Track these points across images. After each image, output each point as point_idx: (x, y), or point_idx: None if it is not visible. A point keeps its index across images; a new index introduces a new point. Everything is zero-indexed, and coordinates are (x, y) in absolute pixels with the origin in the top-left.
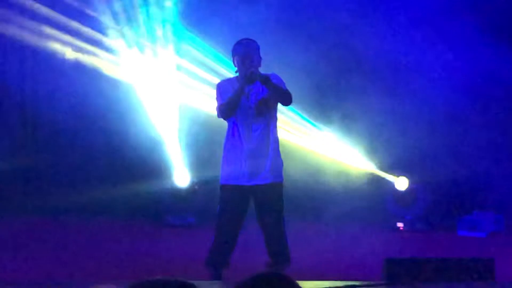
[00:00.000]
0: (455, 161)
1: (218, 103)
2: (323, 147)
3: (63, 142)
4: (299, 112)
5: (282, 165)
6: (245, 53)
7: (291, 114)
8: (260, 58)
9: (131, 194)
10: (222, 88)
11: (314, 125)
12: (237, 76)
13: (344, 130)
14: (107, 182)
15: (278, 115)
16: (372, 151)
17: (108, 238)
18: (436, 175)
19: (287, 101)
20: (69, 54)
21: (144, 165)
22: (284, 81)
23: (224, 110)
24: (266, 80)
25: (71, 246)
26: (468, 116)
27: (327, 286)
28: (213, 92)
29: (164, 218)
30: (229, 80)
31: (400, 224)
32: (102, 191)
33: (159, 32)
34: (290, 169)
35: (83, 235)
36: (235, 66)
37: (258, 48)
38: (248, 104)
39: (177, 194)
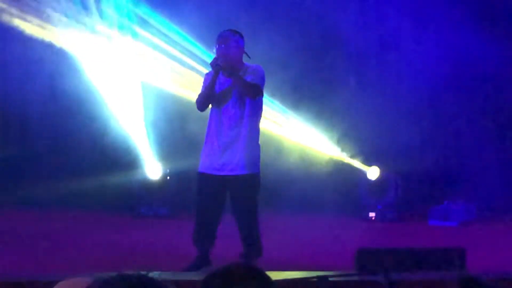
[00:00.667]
0: (427, 150)
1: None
2: (295, 134)
3: (32, 132)
4: (272, 99)
5: (259, 155)
6: (218, 43)
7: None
8: (238, 48)
9: (102, 185)
10: (205, 78)
11: (286, 112)
12: None
13: (317, 117)
14: (78, 173)
15: None
16: (344, 139)
17: (79, 230)
18: (407, 165)
19: (251, 95)
20: (39, 34)
21: (116, 155)
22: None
23: (197, 103)
24: (231, 72)
25: (42, 238)
26: (443, 105)
27: (299, 277)
28: (179, 76)
29: (136, 210)
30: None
31: (372, 214)
32: (73, 182)
33: (118, 15)
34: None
35: (54, 227)
36: None
37: (235, 39)
38: (224, 94)
39: (149, 186)
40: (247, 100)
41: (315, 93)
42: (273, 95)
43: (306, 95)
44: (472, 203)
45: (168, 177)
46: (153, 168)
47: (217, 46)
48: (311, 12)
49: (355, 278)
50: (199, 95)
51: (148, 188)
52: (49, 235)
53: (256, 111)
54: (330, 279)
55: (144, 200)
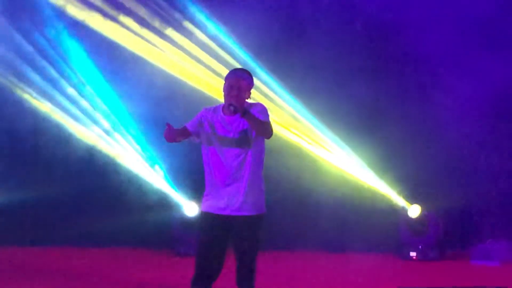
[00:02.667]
0: (468, 187)
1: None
2: (341, 164)
3: (72, 171)
4: (317, 119)
5: (263, 196)
6: (234, 82)
7: (306, 120)
8: (249, 89)
9: (141, 223)
10: (200, 116)
11: (335, 140)
12: (222, 104)
13: (360, 146)
14: (116, 212)
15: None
16: (386, 172)
17: (119, 267)
18: (448, 202)
19: (266, 134)
20: None
21: (155, 196)
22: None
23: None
24: (245, 113)
25: (81, 275)
26: (486, 139)
27: None
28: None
29: (176, 248)
30: (213, 109)
31: (413, 253)
32: (111, 221)
33: None
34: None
35: (93, 265)
36: (224, 92)
37: (250, 80)
38: (227, 135)
39: (187, 225)
40: (253, 141)
41: (361, 120)
42: (323, 119)
43: (351, 119)
44: None
45: None
46: (189, 208)
47: (229, 83)
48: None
49: None
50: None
51: (186, 227)
52: (86, 272)
53: (258, 148)
54: None
55: (183, 239)
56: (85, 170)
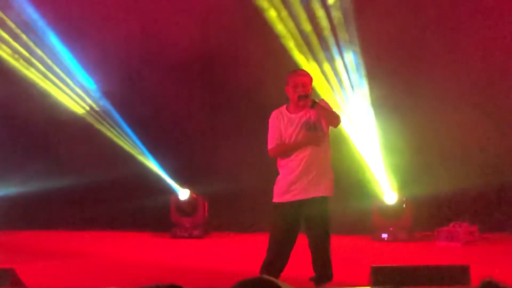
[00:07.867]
0: (435, 178)
1: (270, 140)
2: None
3: (80, 164)
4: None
5: (332, 180)
6: (299, 80)
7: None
8: (312, 84)
9: (143, 209)
10: (274, 122)
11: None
12: (286, 105)
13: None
14: (117, 197)
15: None
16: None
17: (117, 248)
18: (418, 190)
19: (335, 122)
20: None
21: (151, 183)
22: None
23: (278, 154)
24: (314, 103)
25: (83, 255)
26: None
27: None
28: None
29: (172, 231)
30: (279, 112)
31: (384, 235)
32: (113, 206)
33: None
34: None
35: (93, 246)
36: (287, 95)
37: (310, 75)
38: (294, 131)
39: (182, 207)
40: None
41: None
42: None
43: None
44: (475, 225)
45: (195, 200)
46: (182, 193)
47: (294, 84)
48: None
49: None
50: (279, 151)
51: (183, 211)
52: (87, 253)
53: (326, 140)
54: None
55: (179, 222)
56: (93, 163)
